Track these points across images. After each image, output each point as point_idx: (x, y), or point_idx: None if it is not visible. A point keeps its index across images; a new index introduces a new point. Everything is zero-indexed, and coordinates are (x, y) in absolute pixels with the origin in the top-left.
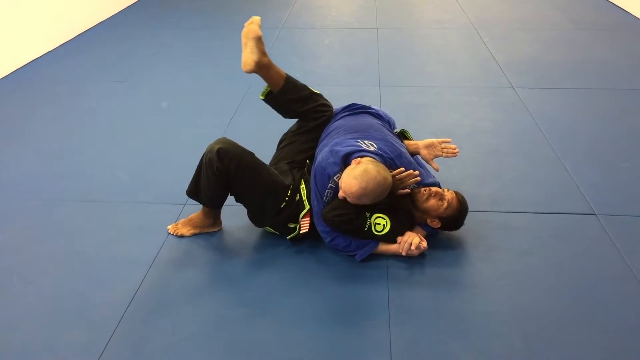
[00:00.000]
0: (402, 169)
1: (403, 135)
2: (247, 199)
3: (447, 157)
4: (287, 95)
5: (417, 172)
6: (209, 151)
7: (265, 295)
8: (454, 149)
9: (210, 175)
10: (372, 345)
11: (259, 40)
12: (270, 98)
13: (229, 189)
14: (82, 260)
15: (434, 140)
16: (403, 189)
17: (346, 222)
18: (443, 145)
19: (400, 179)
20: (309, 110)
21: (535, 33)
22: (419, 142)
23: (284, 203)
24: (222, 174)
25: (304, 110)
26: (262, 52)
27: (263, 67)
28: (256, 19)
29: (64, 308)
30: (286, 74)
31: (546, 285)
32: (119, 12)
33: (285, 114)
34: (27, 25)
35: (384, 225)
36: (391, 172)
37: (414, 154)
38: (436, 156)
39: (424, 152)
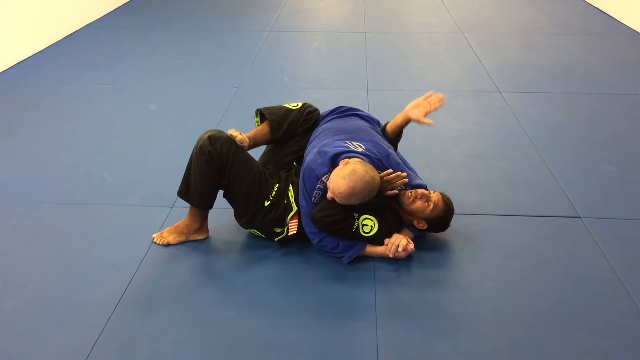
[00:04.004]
0: (390, 170)
1: (384, 128)
2: (235, 189)
3: (436, 109)
4: (280, 130)
5: (404, 174)
6: (199, 140)
7: (253, 297)
8: (440, 97)
9: (203, 163)
10: (360, 346)
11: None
12: (273, 140)
13: (220, 179)
14: (69, 263)
15: (418, 99)
16: (391, 190)
17: (334, 222)
18: (429, 99)
19: (388, 181)
20: (302, 123)
21: (521, 38)
22: (405, 109)
23: (268, 201)
24: (215, 158)
25: (300, 127)
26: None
27: (254, 144)
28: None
29: (50, 311)
30: (262, 116)
31: (531, 287)
32: (106, 14)
33: (294, 136)
34: (13, 27)
35: (371, 226)
36: (379, 173)
37: (404, 122)
38: (426, 113)
39: (412, 113)
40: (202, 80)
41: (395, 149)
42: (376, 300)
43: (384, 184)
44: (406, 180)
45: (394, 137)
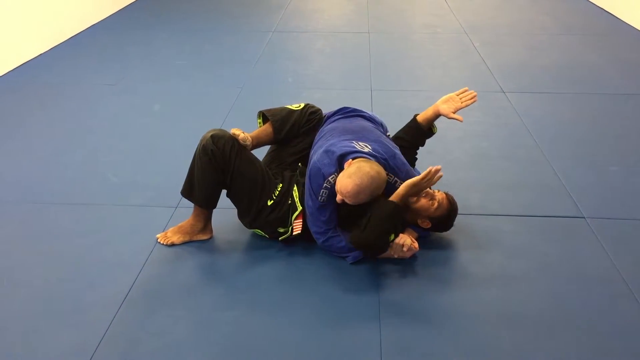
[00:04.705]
0: (427, 171)
1: (414, 117)
2: (238, 188)
3: (467, 106)
4: (282, 130)
5: (438, 167)
6: (202, 140)
7: (256, 297)
8: (473, 94)
9: (205, 162)
10: (363, 346)
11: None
12: (276, 141)
13: (223, 178)
14: (73, 263)
15: (450, 94)
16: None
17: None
18: (461, 95)
19: (429, 180)
20: (305, 124)
21: (525, 38)
22: (435, 103)
23: (271, 201)
24: (218, 157)
25: (303, 128)
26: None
27: (257, 144)
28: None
29: (54, 310)
30: (265, 117)
31: (535, 287)
32: (110, 15)
33: (298, 136)
34: (18, 28)
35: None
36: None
37: (434, 117)
38: (457, 109)
39: (442, 108)
40: (205, 80)
41: (423, 144)
42: (379, 300)
43: (425, 184)
44: (439, 167)
45: (426, 130)
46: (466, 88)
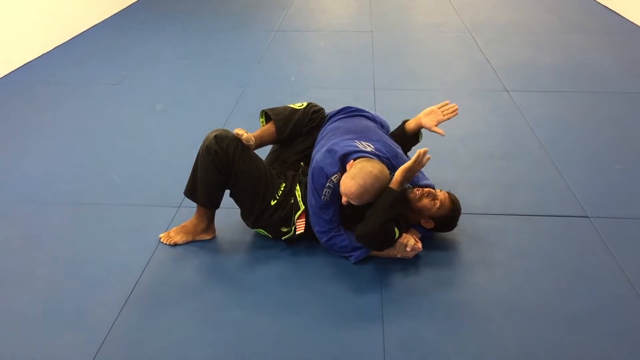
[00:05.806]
0: (417, 153)
1: (403, 123)
2: (241, 188)
3: (449, 119)
4: (285, 129)
5: (426, 149)
6: (205, 140)
7: (259, 297)
8: (454, 107)
9: (209, 162)
10: (366, 346)
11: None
12: (279, 140)
13: (226, 178)
14: (76, 263)
15: (432, 107)
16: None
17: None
18: (442, 108)
19: (419, 162)
20: (307, 123)
21: (529, 36)
22: (418, 115)
23: (275, 201)
24: (221, 158)
25: (306, 127)
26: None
27: (260, 144)
28: (239, 132)
29: (57, 310)
30: (268, 116)
31: (539, 286)
32: (114, 14)
33: (300, 135)
34: (21, 27)
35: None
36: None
37: (416, 128)
38: (439, 121)
39: (425, 120)
40: (209, 80)
41: (408, 150)
42: (383, 300)
43: (417, 167)
44: (427, 149)
45: (410, 137)
46: (447, 102)
